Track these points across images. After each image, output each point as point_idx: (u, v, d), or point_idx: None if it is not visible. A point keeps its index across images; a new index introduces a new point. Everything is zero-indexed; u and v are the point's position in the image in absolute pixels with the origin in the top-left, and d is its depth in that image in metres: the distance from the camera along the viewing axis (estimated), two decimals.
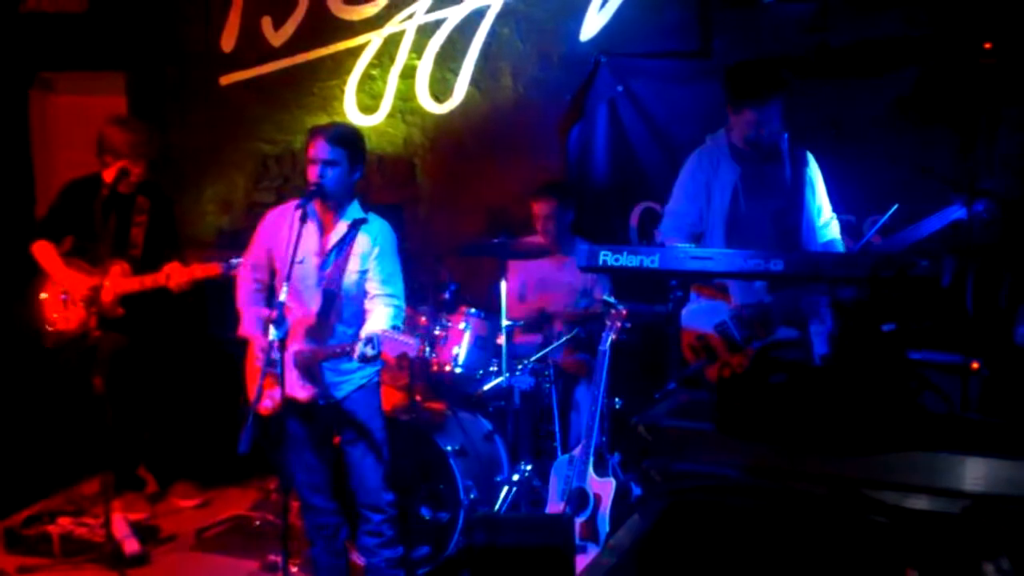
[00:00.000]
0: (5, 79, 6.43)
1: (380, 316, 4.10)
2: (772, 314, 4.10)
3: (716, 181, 4.26)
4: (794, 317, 4.14)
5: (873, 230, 4.34)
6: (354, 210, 4.22)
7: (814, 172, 4.30)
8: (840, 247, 4.34)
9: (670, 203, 4.40)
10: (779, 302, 4.10)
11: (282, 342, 3.82)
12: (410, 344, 3.84)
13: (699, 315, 4.22)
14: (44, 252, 5.16)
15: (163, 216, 5.33)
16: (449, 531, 4.51)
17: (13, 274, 5.56)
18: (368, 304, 4.19)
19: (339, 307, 4.17)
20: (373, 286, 4.19)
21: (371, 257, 4.18)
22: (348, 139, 4.16)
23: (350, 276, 4.15)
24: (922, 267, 2.99)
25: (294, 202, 4.17)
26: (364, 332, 3.99)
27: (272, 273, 4.25)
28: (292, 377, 4.10)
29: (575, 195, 5.37)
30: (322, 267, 4.15)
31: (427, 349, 4.82)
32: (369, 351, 3.89)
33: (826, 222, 4.32)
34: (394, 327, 3.95)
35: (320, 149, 4.07)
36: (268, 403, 4.00)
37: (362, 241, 4.18)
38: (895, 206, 4.30)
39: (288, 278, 3.94)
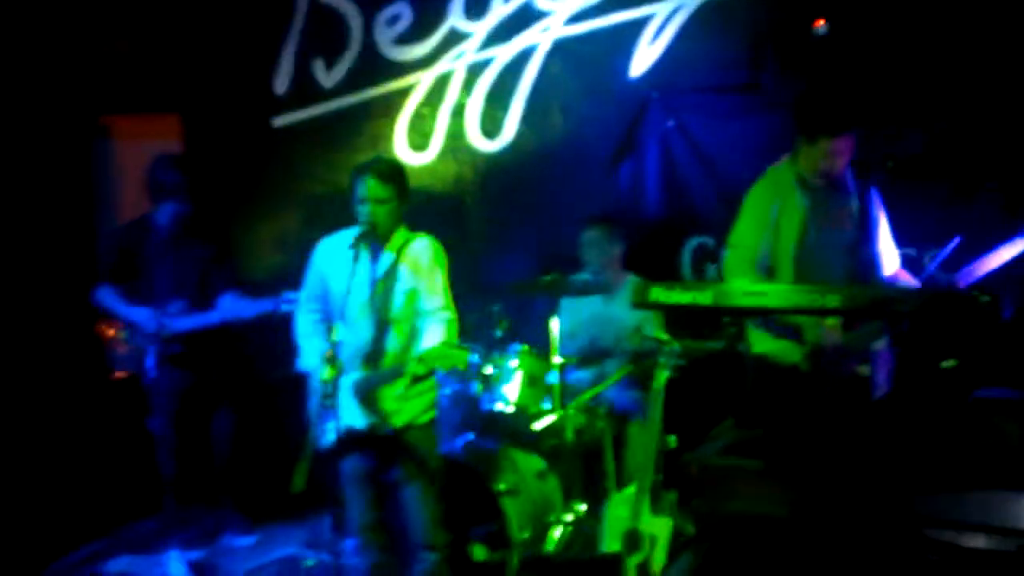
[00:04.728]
0: (68, 125, 6.55)
1: (433, 333, 4.11)
2: (847, 352, 4.01)
3: (784, 212, 4.19)
4: (867, 355, 4.06)
5: (934, 264, 4.26)
6: (400, 235, 4.24)
7: (878, 207, 4.23)
8: (903, 282, 4.25)
9: (734, 236, 4.33)
10: (854, 340, 4.01)
11: (338, 377, 3.84)
12: (459, 357, 3.84)
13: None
14: (107, 296, 5.23)
15: (217, 253, 5.38)
16: (501, 571, 4.46)
17: (74, 318, 5.65)
18: (420, 323, 4.20)
19: (391, 333, 4.18)
20: (423, 302, 4.19)
21: (418, 274, 4.20)
22: (396, 175, 4.19)
23: (397, 300, 4.16)
24: (981, 302, 2.93)
25: (346, 233, 4.20)
26: (416, 351, 4.01)
27: (327, 302, 4.28)
28: (350, 406, 4.11)
29: (623, 228, 5.34)
30: (373, 295, 4.17)
31: (478, 357, 4.74)
32: (420, 369, 3.91)
33: (890, 258, 4.24)
34: (447, 343, 3.95)
35: (371, 188, 4.10)
36: (326, 438, 4.00)
37: (409, 261, 4.21)
38: (956, 239, 4.22)
39: (343, 312, 3.97)
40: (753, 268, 4.18)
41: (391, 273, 4.18)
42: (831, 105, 4.14)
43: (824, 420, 2.76)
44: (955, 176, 4.70)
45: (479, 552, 4.54)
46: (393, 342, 4.19)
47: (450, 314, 4.22)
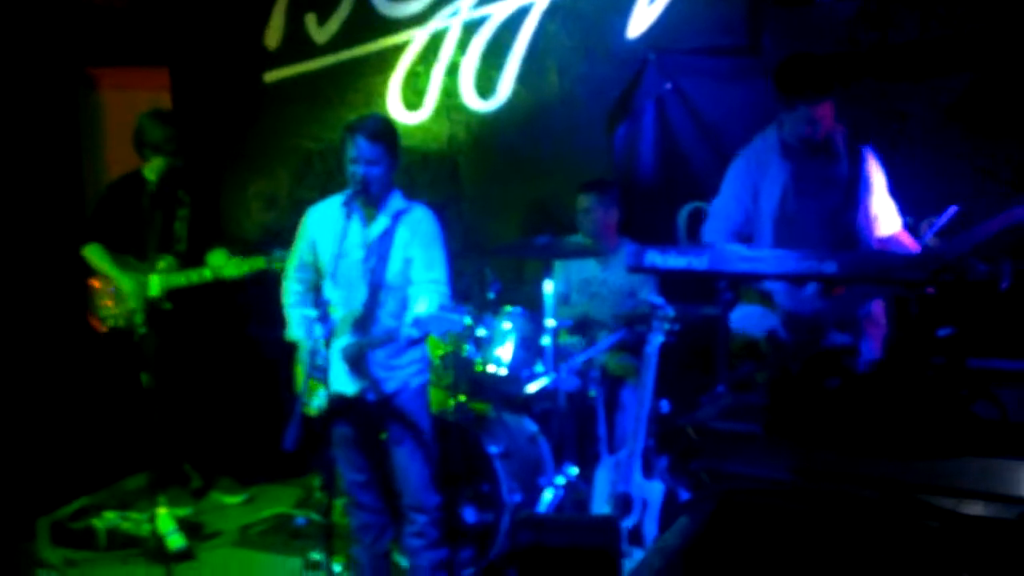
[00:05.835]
0: (54, 76, 6.47)
1: (425, 301, 4.06)
2: (824, 319, 4.01)
3: (765, 180, 4.18)
4: (847, 322, 4.06)
5: (931, 232, 4.23)
6: (396, 201, 4.19)
7: (872, 169, 4.20)
8: (899, 246, 4.23)
9: (715, 202, 4.33)
10: (832, 307, 4.01)
11: (328, 340, 3.81)
12: (454, 320, 3.80)
13: (747, 320, 4.15)
14: (95, 254, 5.19)
15: (205, 209, 5.35)
16: (493, 533, 4.47)
17: (63, 272, 5.61)
18: (412, 291, 4.16)
19: (384, 299, 4.14)
20: (416, 272, 4.15)
21: (413, 245, 4.15)
22: (387, 133, 4.12)
23: (394, 267, 4.13)
24: (981, 271, 2.91)
25: (336, 198, 4.15)
26: (409, 316, 3.97)
27: (317, 271, 4.24)
28: (340, 372, 4.08)
29: (618, 194, 5.31)
30: (366, 260, 4.13)
31: (470, 320, 4.71)
32: (414, 332, 3.88)
33: (887, 220, 4.22)
34: (442, 306, 3.91)
35: (361, 148, 4.03)
36: (315, 404, 3.98)
37: (404, 231, 4.15)
38: (953, 208, 4.20)
39: (334, 275, 3.93)
40: (729, 236, 4.16)
41: (386, 238, 4.13)
42: (808, 71, 4.08)
43: (818, 386, 2.75)
44: (961, 143, 4.66)
45: (471, 514, 4.55)
46: (385, 308, 4.15)
47: (443, 287, 4.18)
